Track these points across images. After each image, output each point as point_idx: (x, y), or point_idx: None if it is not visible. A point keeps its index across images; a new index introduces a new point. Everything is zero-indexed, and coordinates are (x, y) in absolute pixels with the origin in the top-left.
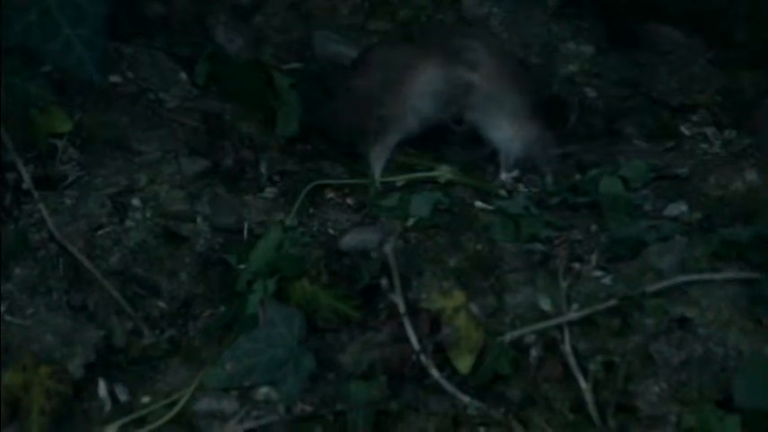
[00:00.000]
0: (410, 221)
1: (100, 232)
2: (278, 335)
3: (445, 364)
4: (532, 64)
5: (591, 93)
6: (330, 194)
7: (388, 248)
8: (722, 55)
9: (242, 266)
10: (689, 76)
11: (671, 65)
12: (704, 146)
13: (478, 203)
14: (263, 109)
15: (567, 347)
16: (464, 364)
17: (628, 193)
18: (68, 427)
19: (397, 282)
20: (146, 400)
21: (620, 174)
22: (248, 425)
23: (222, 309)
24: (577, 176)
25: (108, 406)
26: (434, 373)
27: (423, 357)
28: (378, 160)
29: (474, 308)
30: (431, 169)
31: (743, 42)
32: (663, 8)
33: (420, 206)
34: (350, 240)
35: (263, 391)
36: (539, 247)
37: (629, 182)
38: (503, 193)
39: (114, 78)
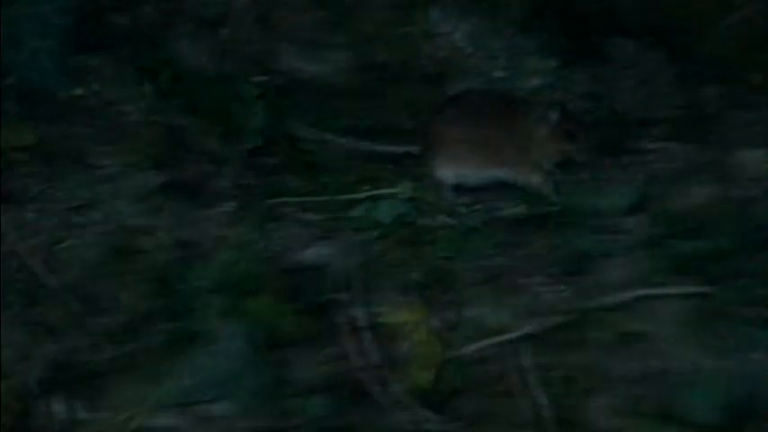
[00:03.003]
0: (370, 236)
1: (59, 246)
2: (234, 350)
3: (403, 379)
4: (497, 78)
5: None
6: (290, 208)
7: (347, 263)
8: (685, 69)
9: (199, 281)
10: (651, 91)
11: (634, 79)
12: (665, 160)
13: (439, 218)
14: (225, 122)
15: (523, 362)
16: (422, 378)
17: (585, 207)
18: None
19: (356, 296)
20: (102, 415)
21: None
22: None
23: (179, 324)
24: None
25: (64, 421)
26: (392, 387)
27: (381, 372)
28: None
29: (433, 322)
30: (393, 185)
31: (705, 57)
32: (626, 22)
33: (381, 221)
34: (309, 255)
35: (219, 406)
36: (496, 261)
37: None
38: (462, 208)
39: (78, 91)
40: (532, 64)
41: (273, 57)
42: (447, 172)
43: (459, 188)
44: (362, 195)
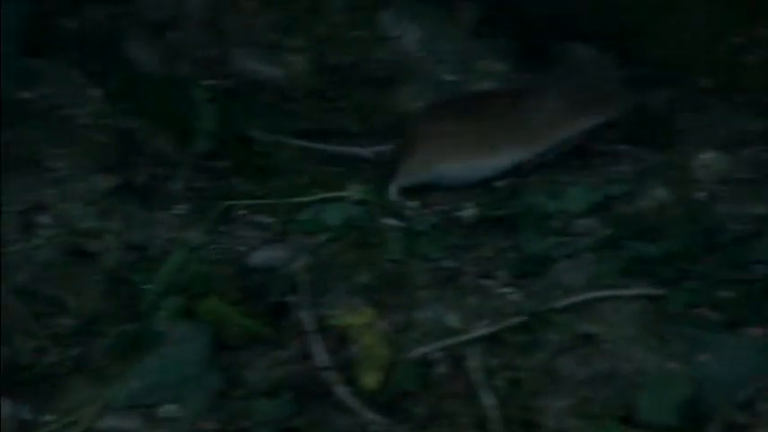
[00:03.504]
0: (321, 238)
1: (9, 249)
2: (185, 352)
3: (353, 381)
4: (448, 81)
5: None
6: (241, 211)
7: (297, 265)
8: (635, 72)
9: (150, 284)
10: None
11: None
12: (617, 163)
13: (388, 221)
14: (177, 125)
15: (474, 364)
16: (371, 380)
17: (537, 209)
18: None
19: (305, 298)
20: (50, 418)
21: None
22: None
23: (130, 326)
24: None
25: (12, 424)
26: (341, 390)
27: (330, 374)
28: None
29: (382, 324)
30: (344, 188)
31: (655, 60)
32: (577, 26)
33: (332, 223)
34: (259, 257)
35: (169, 408)
36: (447, 263)
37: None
38: (411, 211)
39: (27, 94)
40: (483, 67)
41: (226, 60)
42: (428, 169)
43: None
44: (314, 198)
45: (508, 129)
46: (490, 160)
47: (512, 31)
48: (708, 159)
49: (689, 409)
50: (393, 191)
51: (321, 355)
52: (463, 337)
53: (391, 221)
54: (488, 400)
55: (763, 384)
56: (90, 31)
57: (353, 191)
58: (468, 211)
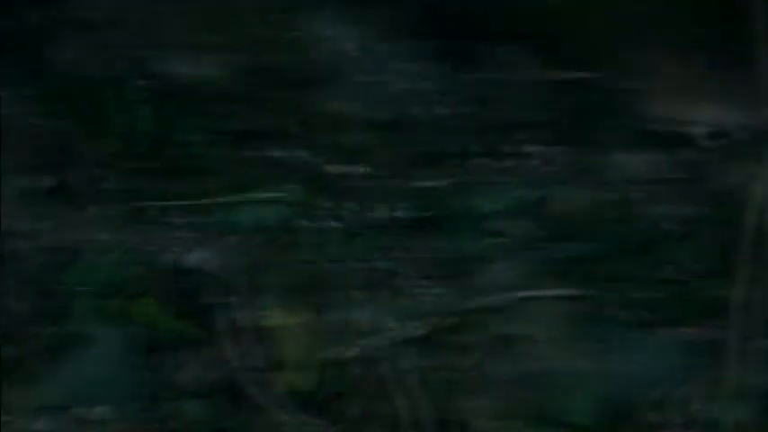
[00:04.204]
0: (254, 239)
1: None
2: (114, 353)
3: (284, 382)
4: (378, 82)
5: (440, 111)
6: (174, 212)
7: (230, 266)
8: (564, 73)
9: (81, 284)
10: (529, 95)
11: (511, 83)
12: (545, 163)
13: (323, 221)
14: (109, 126)
15: (404, 364)
16: (303, 381)
17: (469, 209)
18: None
19: (238, 300)
20: None
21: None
22: None
23: (59, 327)
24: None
25: None
26: (274, 390)
27: (261, 375)
28: None
29: (315, 325)
30: (277, 189)
31: (588, 61)
32: (501, 27)
33: (265, 224)
34: (193, 258)
35: (100, 410)
36: (379, 264)
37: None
38: (345, 211)
39: None
40: (419, 68)
41: (159, 60)
42: None
43: None
44: (247, 199)
45: None
46: None
47: (447, 31)
48: (634, 159)
49: (616, 409)
50: None
51: (252, 357)
52: (394, 338)
53: (324, 222)
54: (419, 401)
55: (678, 384)
56: (23, 31)
57: (287, 191)
58: (400, 212)
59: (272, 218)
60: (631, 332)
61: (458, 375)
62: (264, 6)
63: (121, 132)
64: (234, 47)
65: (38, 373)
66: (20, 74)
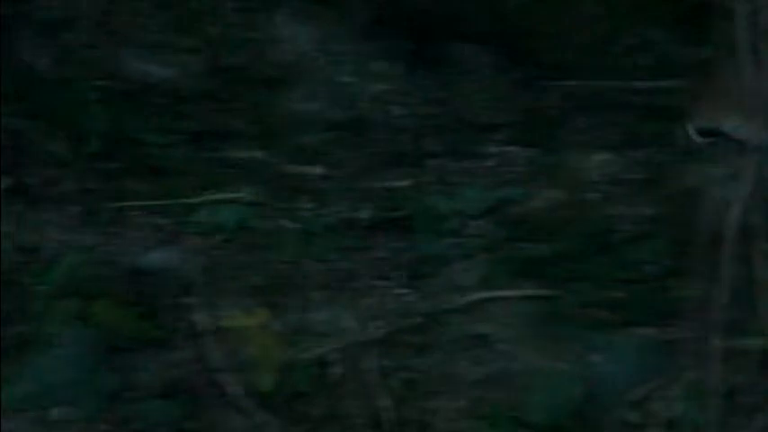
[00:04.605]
0: (214, 240)
1: None
2: (77, 355)
3: (246, 382)
4: (341, 82)
5: (398, 111)
6: (134, 212)
7: (191, 267)
8: (526, 74)
9: (42, 285)
10: (494, 95)
11: (476, 84)
12: (509, 164)
13: (282, 222)
14: (68, 126)
15: (367, 365)
16: (266, 382)
17: (429, 210)
18: None
19: (199, 300)
20: None
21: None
22: None
23: (21, 328)
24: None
25: None
26: (235, 391)
27: (223, 376)
28: None
29: (277, 326)
30: (237, 189)
31: (546, 62)
32: (469, 28)
33: (226, 225)
34: (153, 259)
35: (61, 411)
36: (342, 265)
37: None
38: (306, 212)
39: None
40: (377, 69)
41: (118, 60)
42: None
43: None
44: (207, 199)
45: None
46: None
47: (406, 32)
48: (598, 160)
49: (580, 409)
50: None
51: (214, 357)
52: (357, 338)
53: (285, 222)
54: (383, 402)
55: (654, 384)
56: None
57: (247, 192)
58: (363, 212)
59: (231, 219)
60: (592, 332)
61: (419, 376)
62: (223, 7)
63: (79, 132)
64: (192, 47)
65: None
66: None
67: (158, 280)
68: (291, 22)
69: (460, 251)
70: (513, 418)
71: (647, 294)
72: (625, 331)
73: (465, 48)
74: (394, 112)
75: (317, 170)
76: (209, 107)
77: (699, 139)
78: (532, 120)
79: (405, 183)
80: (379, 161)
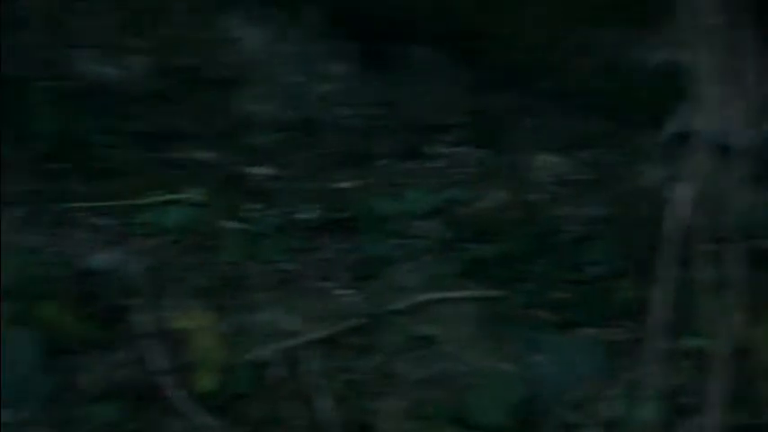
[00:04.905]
0: (161, 241)
1: None
2: (18, 357)
3: (190, 383)
4: (290, 83)
5: (348, 112)
6: (81, 213)
7: (137, 268)
8: (475, 76)
9: None
10: (442, 97)
11: (424, 85)
12: (458, 165)
13: (228, 224)
14: (14, 126)
15: (312, 366)
16: (207, 383)
17: (378, 211)
18: None
19: (143, 302)
20: None
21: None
22: None
23: None
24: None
25: None
26: (176, 393)
27: (165, 378)
28: None
29: (220, 327)
30: (184, 190)
31: (494, 64)
32: (418, 30)
33: (173, 226)
34: (99, 260)
35: (5, 413)
36: (287, 266)
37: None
38: (252, 214)
39: None
40: (328, 70)
41: (67, 61)
42: None
43: None
44: (153, 201)
45: None
46: None
47: (356, 33)
48: (546, 161)
49: (523, 408)
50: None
51: (157, 359)
52: (302, 339)
53: (231, 224)
54: (324, 403)
55: (595, 385)
56: None
57: (195, 193)
58: (310, 214)
59: (178, 220)
60: (536, 333)
61: (364, 377)
62: (174, 8)
63: (26, 133)
64: (145, 48)
65: None
66: None
67: (105, 281)
68: (243, 23)
69: (406, 252)
70: (455, 418)
71: (592, 295)
72: (568, 332)
73: (415, 49)
74: (343, 113)
75: (266, 171)
76: (159, 108)
77: (672, 143)
78: (481, 121)
79: (352, 184)
80: (328, 162)
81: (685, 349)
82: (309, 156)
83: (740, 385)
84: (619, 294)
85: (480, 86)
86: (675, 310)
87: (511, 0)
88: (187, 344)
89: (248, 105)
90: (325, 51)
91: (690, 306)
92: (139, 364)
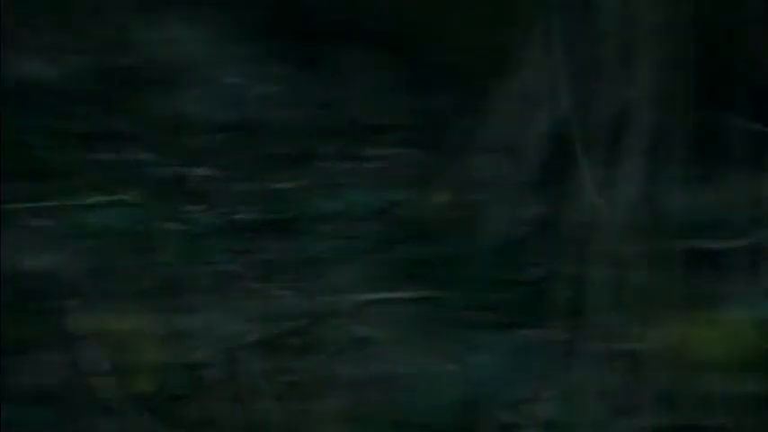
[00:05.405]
0: (100, 242)
1: None
2: None
3: (128, 385)
4: (229, 84)
5: (287, 113)
6: (19, 214)
7: (76, 269)
8: (416, 76)
9: None
10: (383, 98)
11: (365, 85)
12: (398, 166)
13: (167, 224)
14: None
15: (251, 367)
16: (147, 384)
17: (315, 212)
18: None
19: (83, 303)
20: None
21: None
22: None
23: None
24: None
25: None
26: (112, 395)
27: (101, 380)
28: None
29: (158, 328)
30: (123, 191)
31: (436, 63)
32: (358, 29)
33: (111, 227)
34: (35, 261)
35: None
36: (227, 267)
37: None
38: (191, 214)
39: None
40: (266, 70)
41: (4, 60)
42: None
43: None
44: (92, 202)
45: None
46: None
47: (294, 34)
48: (487, 162)
49: (463, 410)
50: None
51: (92, 361)
52: (241, 341)
53: (170, 225)
54: (265, 405)
55: (532, 385)
56: None
57: (134, 194)
58: (249, 214)
59: (116, 221)
60: (473, 334)
61: (303, 378)
62: (112, 7)
63: None
64: (78, 48)
65: None
66: None
67: (43, 282)
68: (181, 23)
69: (346, 253)
70: (397, 420)
71: (529, 296)
72: (506, 333)
73: (354, 49)
74: (281, 114)
75: (205, 172)
76: (97, 108)
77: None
78: (422, 122)
79: (292, 184)
80: (268, 163)
81: (619, 350)
82: (249, 156)
83: (674, 386)
84: (553, 295)
85: (422, 87)
86: (609, 312)
87: (453, 0)
88: (124, 345)
89: (188, 106)
90: (265, 52)
91: (624, 307)
92: (77, 366)
